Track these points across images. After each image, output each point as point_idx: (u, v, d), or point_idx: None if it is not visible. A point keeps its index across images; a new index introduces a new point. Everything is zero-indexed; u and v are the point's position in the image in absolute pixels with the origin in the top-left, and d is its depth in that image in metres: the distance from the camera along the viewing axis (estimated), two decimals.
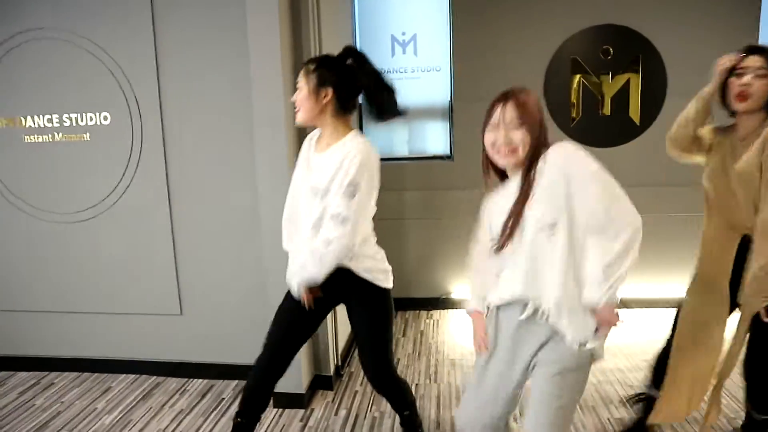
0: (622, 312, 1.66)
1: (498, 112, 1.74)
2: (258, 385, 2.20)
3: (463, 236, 4.10)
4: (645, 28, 3.84)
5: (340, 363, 3.19)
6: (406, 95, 4.06)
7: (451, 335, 3.76)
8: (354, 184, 1.93)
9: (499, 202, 1.76)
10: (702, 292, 2.29)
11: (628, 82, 3.88)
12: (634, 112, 3.91)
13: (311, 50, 2.79)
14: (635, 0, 3.82)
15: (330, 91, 2.01)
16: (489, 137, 1.73)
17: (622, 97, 3.90)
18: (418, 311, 4.17)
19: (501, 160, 1.71)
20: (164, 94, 2.97)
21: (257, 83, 2.64)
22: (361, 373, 3.19)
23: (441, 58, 4.05)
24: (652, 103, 3.89)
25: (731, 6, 3.80)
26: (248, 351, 3.10)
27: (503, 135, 1.69)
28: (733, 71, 2.11)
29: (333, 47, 2.37)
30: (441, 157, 4.11)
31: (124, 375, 3.29)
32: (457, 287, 4.19)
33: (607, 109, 3.92)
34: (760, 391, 2.33)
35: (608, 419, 2.69)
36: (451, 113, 4.05)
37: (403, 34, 4.07)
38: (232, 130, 2.93)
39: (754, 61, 2.07)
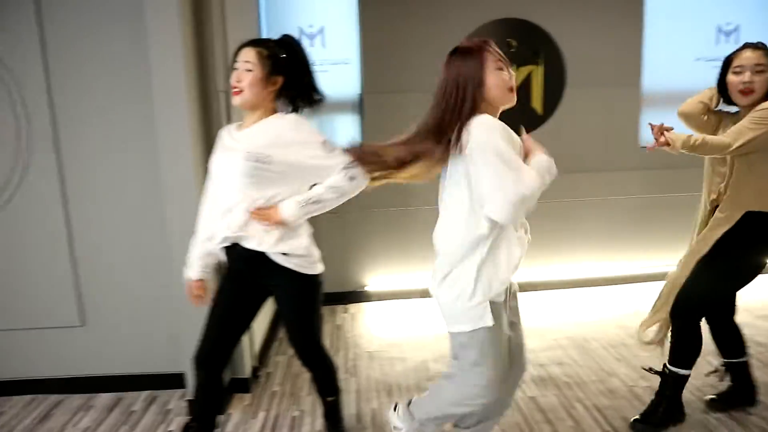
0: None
1: (497, 53, 1.83)
2: (206, 382, 2.16)
3: (375, 229, 4.22)
4: (545, 22, 4.03)
5: (257, 364, 3.11)
6: None
7: (368, 328, 3.78)
8: (325, 141, 2.01)
9: None
10: None
11: (530, 73, 4.05)
12: (537, 103, 4.09)
13: (215, 41, 2.67)
14: None
15: (280, 80, 2.01)
16: (503, 76, 1.82)
17: (525, 89, 4.07)
18: (334, 306, 4.16)
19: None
20: (54, 91, 2.72)
21: (157, 76, 2.49)
22: (280, 372, 3.14)
23: (350, 51, 4.03)
24: (553, 94, 4.09)
25: (621, 2, 4.07)
26: (159, 358, 2.98)
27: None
28: (728, 69, 2.25)
29: (239, 38, 2.28)
30: None
31: (18, 397, 3.02)
32: (371, 280, 4.21)
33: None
34: (723, 338, 2.55)
35: (522, 398, 2.80)
36: (360, 106, 4.04)
37: (311, 26, 4.00)
38: (132, 126, 2.75)
39: (749, 58, 2.19)
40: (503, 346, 1.87)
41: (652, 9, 4.19)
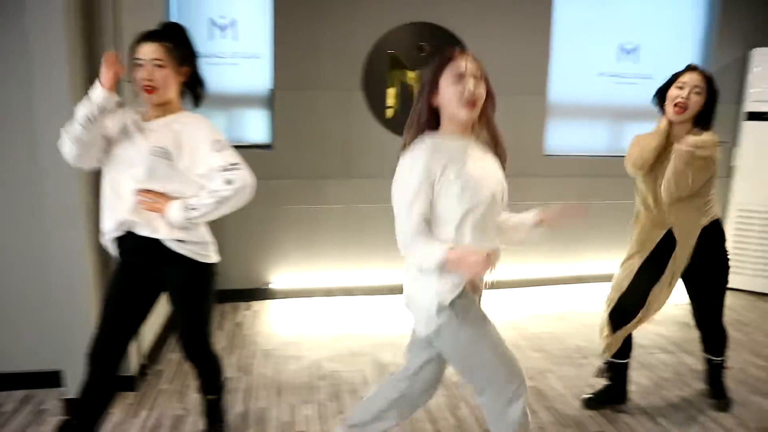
0: None
1: (463, 62, 1.71)
2: (96, 380, 2.08)
3: (282, 226, 4.17)
4: (455, 26, 4.09)
5: (146, 361, 3.01)
6: (225, 81, 3.95)
7: (269, 326, 3.73)
8: (217, 140, 1.97)
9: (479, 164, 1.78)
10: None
11: None
12: None
13: (107, 26, 2.56)
14: (448, 1, 4.05)
15: (187, 71, 2.01)
16: (458, 88, 1.70)
17: None
18: (237, 303, 4.08)
19: (468, 114, 1.72)
20: None
21: (40, 64, 2.36)
22: (171, 370, 3.06)
23: (262, 45, 3.96)
24: None
25: (530, 10, 4.20)
26: (33, 356, 2.83)
27: (473, 85, 1.70)
28: (672, 83, 2.45)
29: (138, 25, 2.19)
30: (261, 146, 4.04)
31: None
32: (277, 277, 4.16)
33: None
34: (711, 338, 2.75)
35: None
36: (271, 102, 3.99)
37: (223, 17, 3.90)
38: (10, 113, 2.60)
39: (693, 78, 2.41)
40: None
41: (561, 24, 4.36)
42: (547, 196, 4.38)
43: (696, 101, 2.42)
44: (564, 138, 4.47)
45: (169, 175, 1.98)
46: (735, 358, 3.37)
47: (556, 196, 4.28)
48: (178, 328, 2.23)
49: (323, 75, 3.96)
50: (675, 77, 2.50)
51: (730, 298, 4.42)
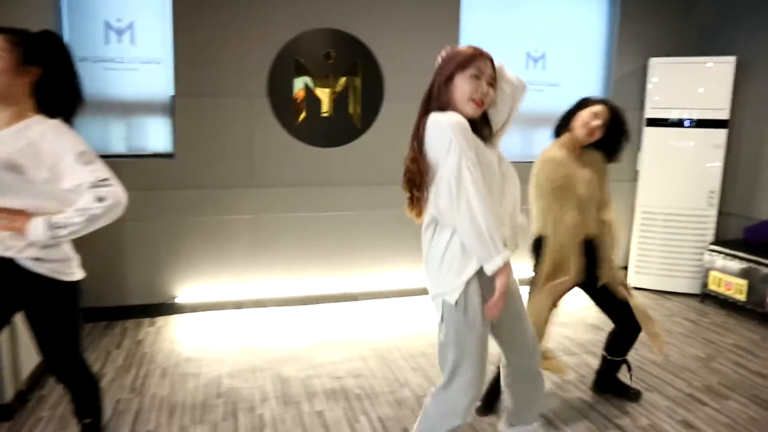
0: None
1: (483, 64, 1.84)
2: None
3: (188, 238, 4.02)
4: (363, 34, 4.07)
5: (24, 387, 2.82)
6: (123, 87, 3.79)
7: (172, 342, 3.57)
8: (83, 152, 1.85)
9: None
10: None
11: (348, 85, 4.08)
12: (354, 115, 4.13)
13: None
14: (354, 7, 4.03)
15: (36, 71, 1.87)
16: (473, 86, 1.83)
17: (342, 100, 4.09)
18: (141, 319, 3.91)
19: (474, 111, 1.84)
20: None
21: None
22: (56, 396, 2.87)
23: (162, 50, 3.82)
24: (371, 106, 4.15)
25: (438, 17, 4.22)
26: None
27: (486, 87, 1.85)
28: (581, 108, 2.64)
29: (25, 23, 2.04)
30: (162, 155, 3.89)
31: None
32: (184, 291, 4.01)
33: (328, 111, 4.07)
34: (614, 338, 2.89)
35: (308, 412, 2.78)
36: (172, 110, 3.84)
37: (119, 20, 3.73)
38: None
39: (604, 110, 2.61)
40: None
41: (468, 31, 4.41)
42: None
43: (601, 130, 2.62)
44: None
45: (23, 190, 1.83)
46: (633, 356, 3.48)
47: None
48: (42, 350, 2.06)
49: (227, 81, 3.85)
50: (584, 104, 2.67)
51: (635, 296, 4.61)
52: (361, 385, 3.07)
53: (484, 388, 2.14)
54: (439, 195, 1.81)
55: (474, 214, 1.73)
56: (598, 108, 2.61)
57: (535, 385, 2.14)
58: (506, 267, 1.77)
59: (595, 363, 3.27)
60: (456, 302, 1.85)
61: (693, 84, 4.48)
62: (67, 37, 3.62)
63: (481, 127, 1.92)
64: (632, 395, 2.99)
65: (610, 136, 2.65)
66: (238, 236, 4.02)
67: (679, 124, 4.52)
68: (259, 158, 3.98)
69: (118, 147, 3.84)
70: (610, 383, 3.00)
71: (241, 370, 3.23)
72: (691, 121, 4.48)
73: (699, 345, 3.71)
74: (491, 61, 1.87)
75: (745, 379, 3.24)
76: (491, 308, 1.83)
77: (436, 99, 1.87)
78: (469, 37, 4.41)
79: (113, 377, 3.11)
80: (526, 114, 4.69)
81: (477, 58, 1.83)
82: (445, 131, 1.76)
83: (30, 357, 2.90)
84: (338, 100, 4.07)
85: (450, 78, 1.85)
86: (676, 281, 4.66)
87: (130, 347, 3.49)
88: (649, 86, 4.60)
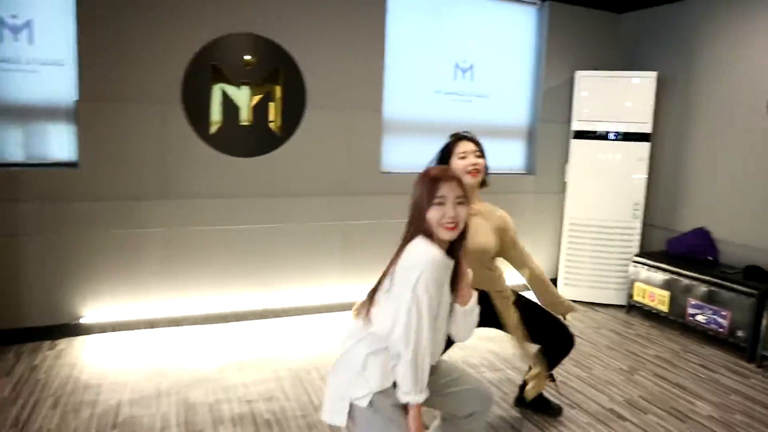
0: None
1: (446, 188, 1.87)
2: None
3: (95, 253, 3.75)
4: (285, 40, 3.92)
5: None
6: (20, 90, 3.49)
7: (71, 367, 3.28)
8: None
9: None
10: None
11: (268, 93, 3.91)
12: (275, 124, 3.96)
13: None
14: (275, 12, 3.87)
15: None
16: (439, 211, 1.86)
17: (262, 108, 3.91)
18: (40, 342, 3.60)
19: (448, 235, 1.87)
20: None
21: None
22: None
23: (65, 51, 3.55)
24: (292, 115, 3.99)
25: (363, 25, 4.12)
26: None
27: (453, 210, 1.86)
28: (450, 155, 2.56)
29: None
30: (65, 164, 3.61)
31: None
32: (90, 311, 3.73)
33: (247, 120, 3.89)
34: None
35: None
36: (76, 115, 3.57)
37: (15, 17, 3.45)
38: None
39: (468, 145, 2.56)
40: None
41: (395, 41, 4.33)
42: (384, 213, 4.31)
43: (483, 163, 2.58)
44: (401, 155, 4.42)
45: None
46: (558, 371, 3.43)
47: (393, 214, 4.20)
48: None
49: (138, 86, 3.61)
50: (450, 149, 2.59)
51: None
52: (272, 410, 2.89)
53: None
54: (395, 321, 1.82)
55: (418, 353, 1.78)
56: (464, 146, 2.56)
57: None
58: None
59: (519, 378, 3.21)
60: (370, 403, 1.84)
61: (618, 98, 4.54)
62: None
63: (458, 248, 1.93)
64: (553, 411, 2.94)
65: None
66: (150, 251, 3.77)
67: (604, 137, 4.56)
68: (172, 168, 3.75)
69: (16, 155, 3.53)
70: (532, 399, 2.93)
71: (145, 396, 2.98)
72: (617, 134, 4.53)
73: (622, 357, 3.70)
74: (457, 180, 1.89)
75: (664, 392, 3.24)
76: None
77: (418, 222, 1.89)
78: (395, 46, 4.33)
79: None
80: (453, 125, 4.61)
81: (439, 183, 1.86)
82: (418, 265, 1.80)
83: None
84: (258, 108, 3.90)
85: (422, 211, 1.88)
86: (603, 293, 4.68)
87: (22, 374, 3.19)
88: (576, 99, 4.64)
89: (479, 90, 4.67)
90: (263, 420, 2.79)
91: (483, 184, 2.63)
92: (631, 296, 4.46)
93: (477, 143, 2.59)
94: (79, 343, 3.63)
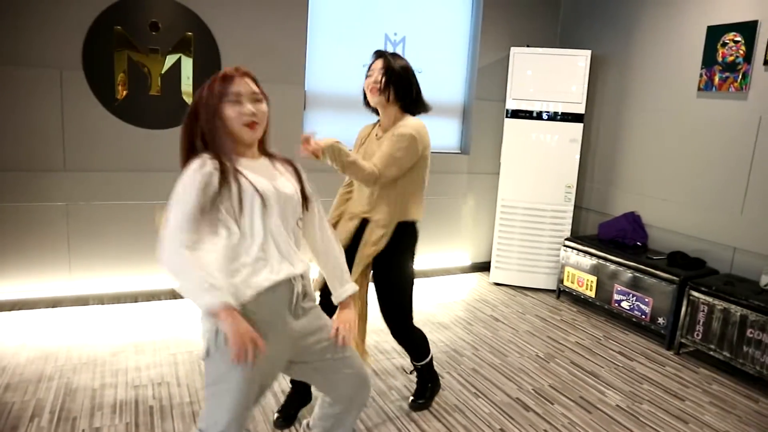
0: None
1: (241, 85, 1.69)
2: None
3: None
4: (197, 5, 3.68)
5: None
6: None
7: None
8: None
9: None
10: None
11: (179, 60, 3.68)
12: (187, 93, 3.74)
13: None
14: None
15: None
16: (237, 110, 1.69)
17: (173, 77, 3.69)
18: None
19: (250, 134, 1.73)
20: None
21: None
22: None
23: None
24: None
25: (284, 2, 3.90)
26: None
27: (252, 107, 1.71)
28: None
29: None
30: None
31: None
32: None
33: (156, 89, 3.66)
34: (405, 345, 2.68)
35: (83, 430, 2.43)
36: None
37: None
38: None
39: (377, 63, 2.40)
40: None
41: (319, 8, 4.12)
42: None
43: (385, 80, 2.39)
44: (325, 129, 4.21)
45: None
46: (472, 357, 3.35)
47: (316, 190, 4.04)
48: None
49: (32, 48, 3.36)
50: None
51: (493, 293, 4.51)
52: (159, 395, 2.74)
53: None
54: None
55: (172, 236, 1.65)
56: (374, 67, 2.42)
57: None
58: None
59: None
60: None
61: (552, 76, 4.38)
62: None
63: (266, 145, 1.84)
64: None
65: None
66: (51, 226, 3.56)
67: (538, 116, 4.43)
68: (72, 139, 3.52)
69: None
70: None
71: (25, 380, 2.81)
72: (549, 113, 4.40)
73: (541, 344, 3.62)
74: (250, 76, 1.73)
75: (577, 380, 3.16)
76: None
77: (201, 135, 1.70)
78: (320, 15, 4.11)
79: None
80: None
81: (232, 80, 1.68)
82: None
83: None
84: (168, 77, 3.67)
85: (216, 111, 1.67)
86: (534, 277, 4.60)
87: None
88: (510, 77, 4.48)
89: (412, 65, 4.47)
90: (146, 407, 2.63)
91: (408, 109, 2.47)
92: (561, 281, 4.38)
93: (389, 59, 2.40)
94: None
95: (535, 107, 4.42)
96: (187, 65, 3.69)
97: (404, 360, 3.24)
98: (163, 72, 3.64)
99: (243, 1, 3.78)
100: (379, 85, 2.36)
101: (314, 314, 1.82)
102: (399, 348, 3.34)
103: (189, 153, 1.69)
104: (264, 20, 3.84)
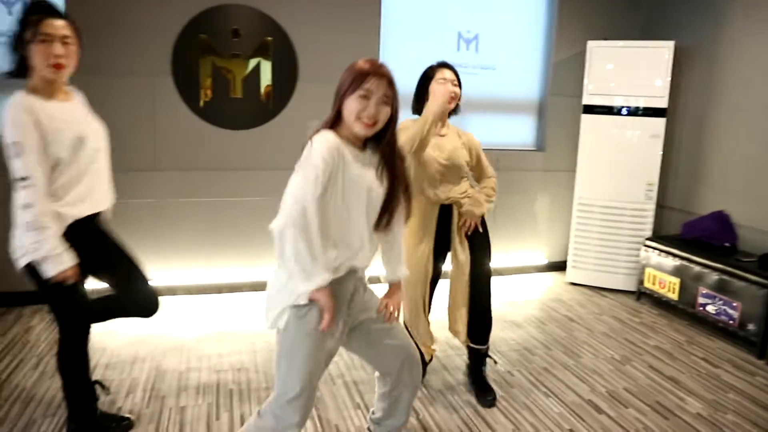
0: None
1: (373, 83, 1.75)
2: None
3: None
4: (275, 11, 3.86)
5: None
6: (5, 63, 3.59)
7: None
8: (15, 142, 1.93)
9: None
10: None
11: (259, 64, 3.87)
12: (266, 96, 3.93)
13: None
14: None
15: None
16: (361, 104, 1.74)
17: (253, 80, 3.89)
18: (39, 306, 3.74)
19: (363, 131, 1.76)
20: None
21: None
22: None
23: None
24: (284, 88, 3.94)
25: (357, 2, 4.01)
26: None
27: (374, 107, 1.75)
28: (430, 80, 2.67)
29: None
30: None
31: None
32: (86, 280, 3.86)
33: (238, 92, 3.87)
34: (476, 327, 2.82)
35: (171, 407, 2.62)
36: None
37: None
38: None
39: (448, 73, 2.68)
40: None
41: (393, 11, 4.19)
42: None
43: (459, 92, 2.70)
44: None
45: None
46: (544, 356, 3.30)
47: None
48: None
49: (127, 60, 3.65)
50: (430, 75, 2.71)
51: (569, 292, 4.41)
52: (238, 380, 2.91)
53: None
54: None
55: (291, 223, 1.69)
56: (443, 73, 2.68)
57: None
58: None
59: (500, 362, 3.14)
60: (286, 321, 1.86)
61: (632, 70, 4.22)
62: None
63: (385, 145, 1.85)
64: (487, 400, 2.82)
65: None
66: (140, 222, 3.86)
67: (617, 111, 4.27)
68: (162, 140, 3.80)
69: None
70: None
71: (122, 361, 3.08)
72: (629, 108, 4.23)
73: (618, 346, 3.50)
74: (388, 79, 1.77)
75: (654, 385, 3.04)
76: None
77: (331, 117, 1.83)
78: (393, 16, 4.19)
79: None
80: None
81: (368, 76, 1.74)
82: (309, 149, 1.74)
83: None
84: (248, 81, 3.87)
85: (343, 96, 1.77)
86: (613, 277, 4.44)
87: (17, 334, 3.35)
88: (587, 71, 4.34)
89: (485, 62, 4.47)
90: (227, 390, 2.82)
91: (455, 110, 2.76)
92: (641, 282, 4.21)
93: (456, 73, 2.71)
94: None
95: (614, 102, 4.27)
96: (266, 68, 3.88)
97: None
98: (244, 76, 3.85)
99: (318, 5, 3.93)
100: (455, 95, 2.67)
101: (368, 293, 2.00)
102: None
103: None
104: (338, 22, 3.97)
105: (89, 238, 2.19)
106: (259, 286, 4.14)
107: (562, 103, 4.63)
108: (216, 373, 2.98)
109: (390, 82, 1.77)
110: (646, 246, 4.15)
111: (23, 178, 1.90)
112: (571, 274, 4.56)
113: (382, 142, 1.83)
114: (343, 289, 1.85)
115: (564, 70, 4.57)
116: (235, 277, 4.12)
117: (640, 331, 3.76)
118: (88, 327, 2.30)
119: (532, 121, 4.74)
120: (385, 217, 1.85)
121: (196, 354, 3.18)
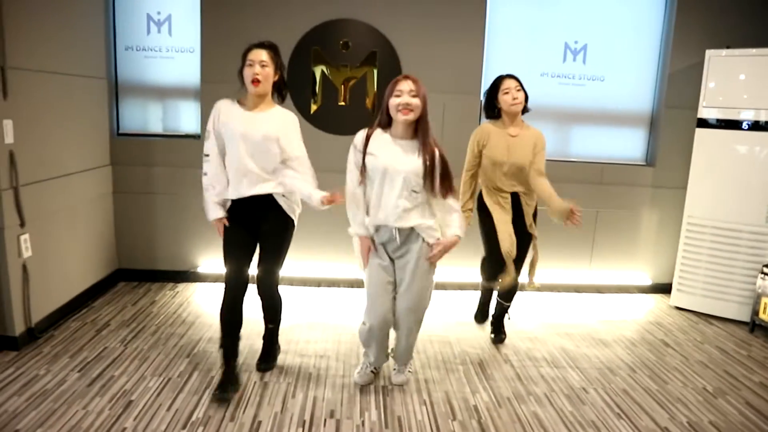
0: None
1: (400, 84, 2.57)
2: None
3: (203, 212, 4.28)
4: (381, 24, 4.09)
5: (35, 325, 3.27)
6: (160, 74, 4.19)
7: (180, 306, 3.92)
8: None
9: None
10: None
11: (365, 74, 4.12)
12: (371, 104, 4.17)
13: None
14: None
15: (277, 76, 2.85)
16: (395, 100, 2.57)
17: (359, 89, 4.15)
18: (165, 283, 4.32)
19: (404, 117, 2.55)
20: None
21: None
22: (61, 337, 3.32)
23: (194, 40, 4.15)
24: None
25: (461, 7, 4.12)
26: None
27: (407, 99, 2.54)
28: (498, 91, 3.20)
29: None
30: (191, 136, 4.26)
31: None
32: (205, 261, 4.37)
33: (345, 100, 4.15)
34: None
35: (254, 382, 2.93)
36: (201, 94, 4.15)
37: (159, 13, 4.14)
38: None
39: (511, 82, 3.17)
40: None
41: (497, 23, 4.25)
42: None
43: (522, 96, 3.21)
44: None
45: (274, 157, 2.92)
46: (626, 377, 3.17)
47: None
48: (260, 265, 3.03)
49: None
50: (497, 86, 3.24)
51: (671, 317, 4.15)
52: (318, 366, 3.16)
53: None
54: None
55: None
56: (508, 83, 3.19)
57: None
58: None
59: (576, 378, 3.09)
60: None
61: (755, 80, 3.87)
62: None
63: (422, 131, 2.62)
64: (498, 337, 3.59)
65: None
66: None
67: (736, 126, 3.94)
68: None
69: (155, 127, 4.29)
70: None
71: (216, 335, 3.45)
72: (750, 123, 3.88)
73: (713, 378, 3.25)
74: (412, 79, 2.57)
75: (748, 423, 2.79)
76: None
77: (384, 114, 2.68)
78: (496, 26, 4.23)
79: (114, 328, 3.53)
80: (563, 110, 4.41)
81: (398, 82, 2.58)
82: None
83: (49, 301, 3.40)
84: (355, 90, 4.14)
85: (387, 101, 2.63)
86: (723, 305, 4.10)
87: (143, 306, 3.91)
88: (704, 82, 4.06)
89: (593, 73, 4.35)
90: (306, 373, 3.07)
91: (524, 110, 3.26)
92: (756, 313, 3.84)
93: (519, 81, 3.20)
94: (194, 288, 4.30)
95: (734, 115, 3.95)
96: (372, 78, 4.13)
97: (553, 370, 3.22)
98: (351, 85, 4.13)
99: (424, 18, 4.10)
100: (519, 100, 3.18)
101: (405, 248, 2.74)
102: (549, 357, 3.37)
103: None
104: (442, 32, 4.11)
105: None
106: (356, 283, 4.41)
107: (676, 116, 4.36)
108: (300, 357, 3.25)
109: (414, 81, 2.54)
110: (763, 273, 3.79)
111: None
112: (677, 297, 4.27)
113: (418, 130, 2.60)
114: (379, 236, 2.76)
115: (680, 81, 4.30)
116: (336, 273, 4.42)
117: (744, 365, 3.45)
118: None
119: (641, 134, 4.52)
120: (427, 185, 2.60)
121: (286, 338, 3.48)
